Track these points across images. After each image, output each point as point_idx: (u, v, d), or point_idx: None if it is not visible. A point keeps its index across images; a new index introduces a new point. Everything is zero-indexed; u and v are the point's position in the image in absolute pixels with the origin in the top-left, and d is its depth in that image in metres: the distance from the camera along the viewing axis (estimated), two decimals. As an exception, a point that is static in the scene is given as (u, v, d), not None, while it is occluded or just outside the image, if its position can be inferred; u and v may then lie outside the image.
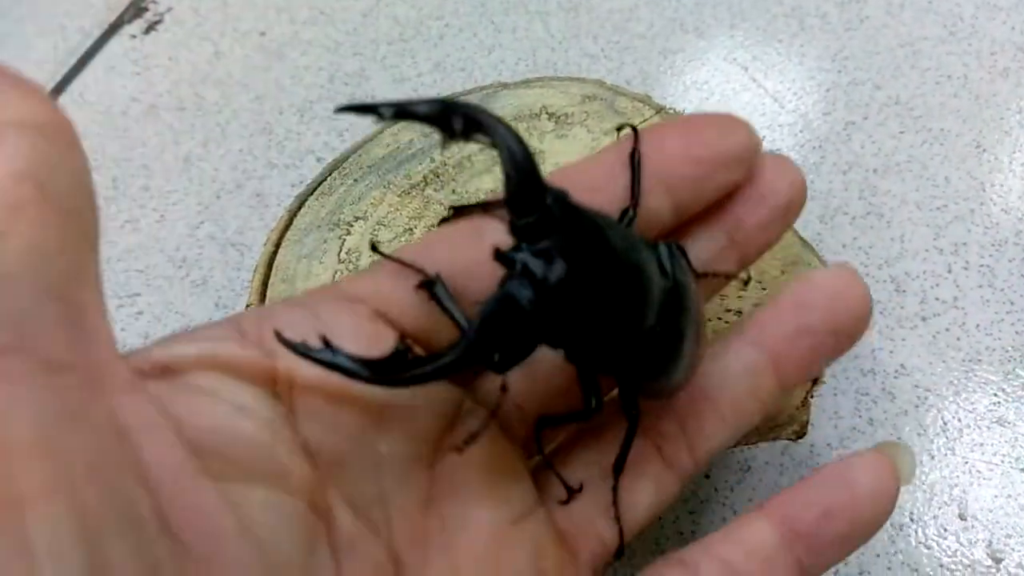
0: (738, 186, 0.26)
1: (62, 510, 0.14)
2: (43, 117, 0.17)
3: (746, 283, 0.29)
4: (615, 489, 0.25)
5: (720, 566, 0.24)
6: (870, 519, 0.24)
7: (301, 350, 0.19)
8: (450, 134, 0.19)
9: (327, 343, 0.19)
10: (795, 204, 0.27)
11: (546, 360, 0.24)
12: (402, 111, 0.19)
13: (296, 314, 0.21)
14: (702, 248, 0.27)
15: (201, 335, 0.20)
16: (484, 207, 0.24)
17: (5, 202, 0.15)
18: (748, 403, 0.26)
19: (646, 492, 0.26)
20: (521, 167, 0.19)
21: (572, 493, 0.25)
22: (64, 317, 0.16)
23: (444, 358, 0.19)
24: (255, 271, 0.36)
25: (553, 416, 0.24)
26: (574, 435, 0.27)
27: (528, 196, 0.19)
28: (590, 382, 0.24)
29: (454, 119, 0.19)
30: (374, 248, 0.24)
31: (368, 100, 0.46)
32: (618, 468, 0.25)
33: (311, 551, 0.20)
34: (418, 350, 0.22)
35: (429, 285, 0.22)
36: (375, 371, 0.19)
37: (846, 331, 0.26)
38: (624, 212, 0.24)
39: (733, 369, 0.26)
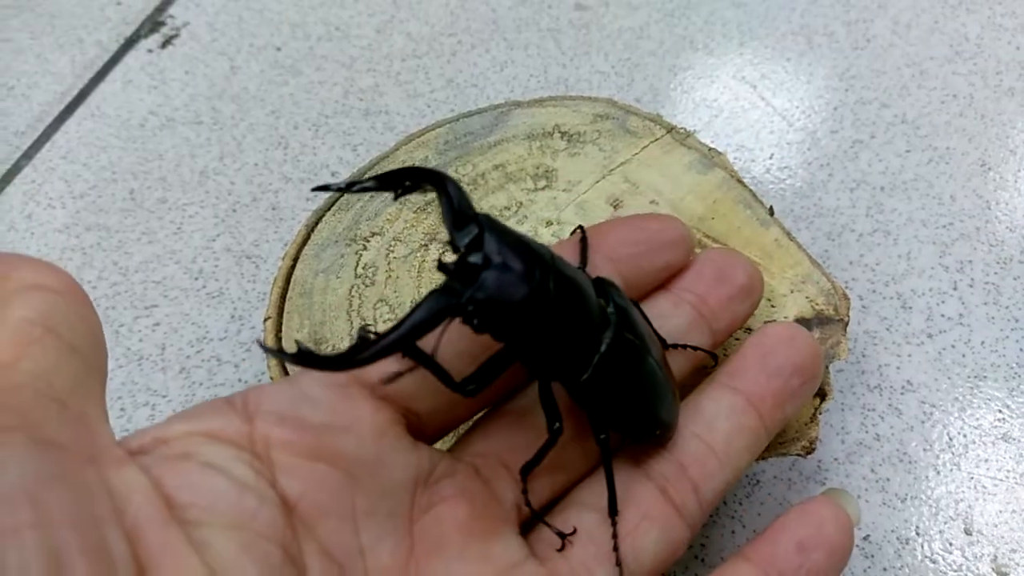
0: (679, 267, 0.31)
1: (33, 543, 0.17)
2: (58, 282, 0.22)
3: (715, 365, 0.31)
4: (614, 531, 0.26)
5: None
6: (840, 548, 0.26)
7: (276, 353, 0.21)
8: (398, 191, 0.24)
9: (299, 345, 0.21)
10: (755, 288, 0.31)
11: (525, 415, 0.27)
12: (361, 187, 0.23)
13: (281, 387, 0.25)
14: (675, 320, 0.30)
15: (196, 411, 0.24)
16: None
17: (18, 339, 0.20)
18: (737, 440, 0.28)
19: (651, 536, 0.27)
20: (455, 193, 0.23)
21: (564, 537, 0.26)
22: (62, 415, 0.20)
23: (384, 338, 0.21)
24: (273, 285, 0.36)
25: (532, 459, 0.26)
26: (570, 485, 0.28)
27: (461, 215, 0.22)
28: (549, 406, 0.25)
29: (401, 180, 0.23)
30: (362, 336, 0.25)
31: (380, 117, 0.47)
32: (612, 507, 0.26)
33: None
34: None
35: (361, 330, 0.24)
36: (336, 360, 0.21)
37: (807, 371, 0.29)
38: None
39: (716, 410, 0.28)
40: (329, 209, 0.38)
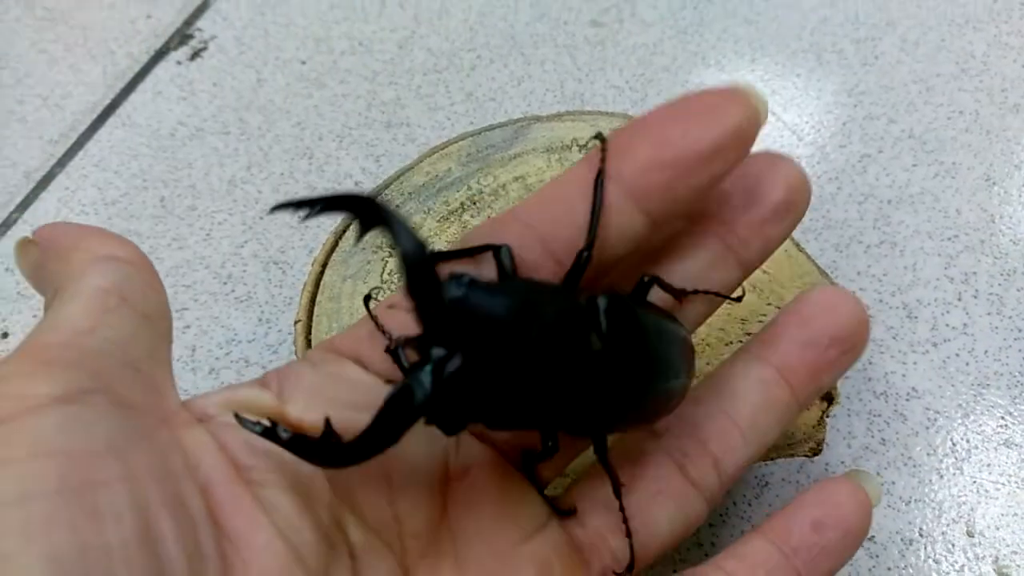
0: (724, 179, 0.25)
1: (123, 494, 0.19)
2: (129, 254, 0.24)
3: (739, 299, 0.28)
4: (622, 510, 0.26)
5: None
6: (856, 529, 0.26)
7: (251, 429, 0.22)
8: (365, 227, 0.20)
9: (273, 423, 0.22)
10: (794, 203, 0.26)
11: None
12: (328, 204, 0.21)
13: (305, 367, 0.25)
14: (696, 257, 0.26)
15: (232, 388, 0.25)
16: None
17: (98, 307, 0.22)
18: (765, 415, 0.27)
19: (666, 511, 0.27)
20: (412, 265, 0.19)
21: (564, 515, 0.27)
22: (136, 379, 0.22)
23: (349, 447, 0.21)
24: (303, 289, 0.38)
25: (530, 452, 0.25)
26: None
27: (423, 292, 0.19)
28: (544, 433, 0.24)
29: (367, 214, 0.20)
30: (365, 301, 0.26)
31: (402, 129, 0.48)
32: (616, 491, 0.26)
33: (333, 557, 0.23)
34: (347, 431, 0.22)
35: (392, 352, 0.24)
36: (304, 451, 0.21)
37: (847, 340, 0.27)
38: (579, 255, 0.24)
39: (745, 383, 0.28)
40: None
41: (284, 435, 0.21)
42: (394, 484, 0.25)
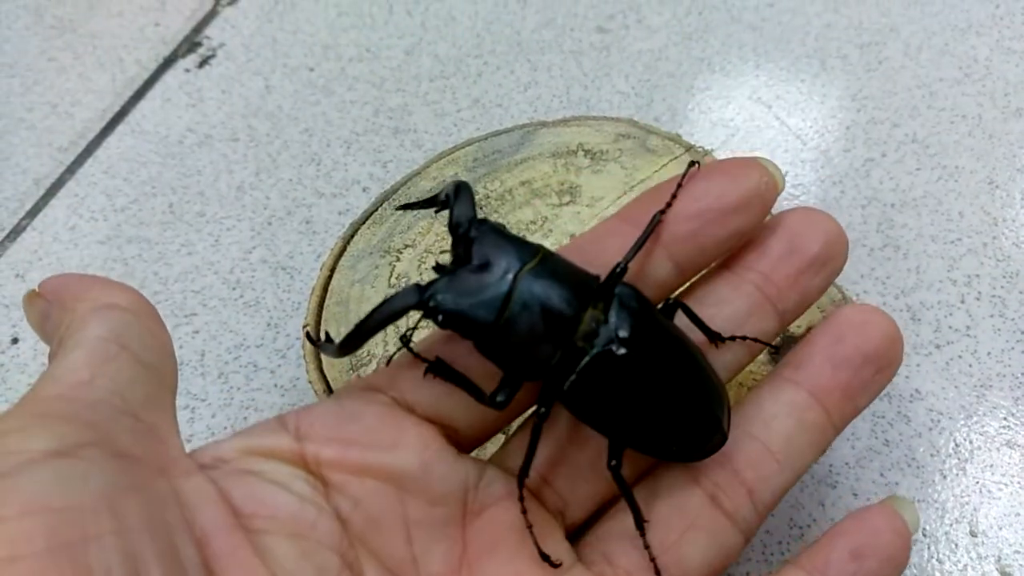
0: (751, 230, 0.27)
1: (114, 549, 0.19)
2: (129, 301, 0.24)
3: (776, 351, 0.29)
4: (646, 547, 0.26)
5: None
6: (896, 557, 0.26)
7: (313, 341, 0.26)
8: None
9: (328, 336, 0.25)
10: (832, 256, 0.27)
11: (557, 427, 0.27)
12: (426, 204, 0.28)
13: (327, 407, 0.26)
14: (734, 305, 0.27)
15: (249, 430, 0.26)
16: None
17: (97, 356, 0.22)
18: (799, 440, 0.27)
19: (698, 545, 0.26)
20: (458, 193, 0.25)
21: (553, 566, 0.26)
22: (136, 428, 0.22)
23: (360, 325, 0.25)
24: (312, 294, 0.38)
25: (525, 457, 0.26)
26: (609, 503, 0.28)
27: (453, 214, 0.25)
28: (509, 380, 0.26)
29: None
30: (403, 341, 0.27)
31: (409, 135, 0.49)
32: (639, 524, 0.26)
33: None
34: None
35: (433, 368, 0.26)
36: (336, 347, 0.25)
37: (882, 358, 0.27)
38: (616, 266, 0.26)
39: (776, 408, 0.27)
40: (364, 222, 0.40)
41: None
42: (411, 523, 0.25)
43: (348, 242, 0.40)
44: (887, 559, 0.26)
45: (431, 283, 0.24)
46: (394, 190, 0.41)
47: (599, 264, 0.26)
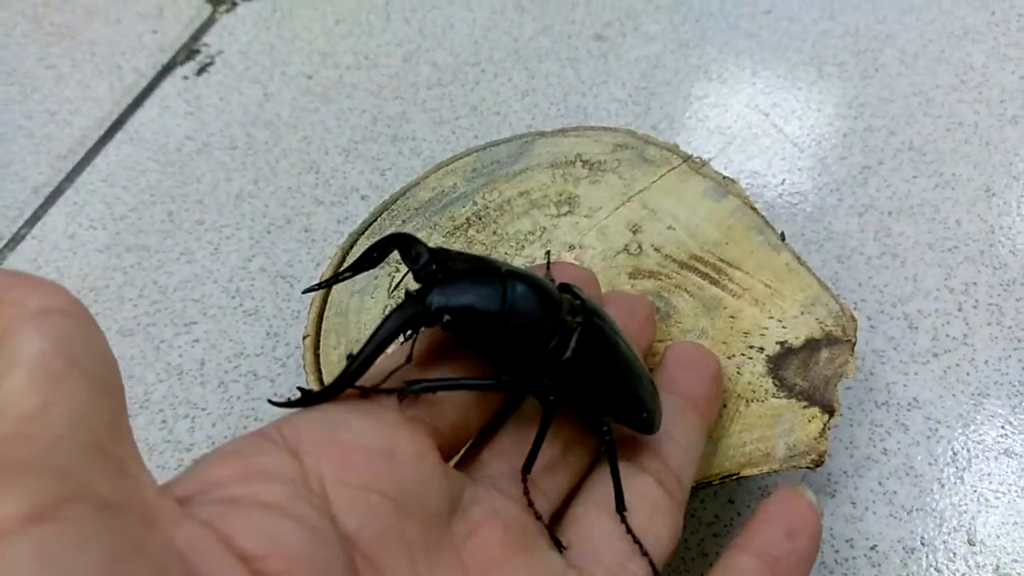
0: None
1: None
2: (66, 304, 0.19)
3: None
4: (627, 526, 0.27)
5: None
6: (817, 535, 0.28)
7: (277, 403, 0.25)
8: (373, 263, 0.28)
9: (302, 391, 0.24)
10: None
11: (529, 425, 0.28)
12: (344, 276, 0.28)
13: (310, 416, 0.24)
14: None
15: (235, 448, 0.23)
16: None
17: (46, 376, 0.18)
18: (693, 437, 0.31)
19: (665, 525, 0.28)
20: (414, 246, 0.26)
21: (562, 549, 0.27)
22: (109, 467, 0.18)
23: (358, 356, 0.24)
24: (311, 304, 0.39)
25: (528, 455, 0.27)
26: (575, 484, 0.29)
27: (419, 256, 0.25)
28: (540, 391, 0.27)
29: (370, 257, 0.27)
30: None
31: (407, 142, 0.49)
32: (619, 506, 0.27)
33: None
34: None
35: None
36: (328, 390, 0.24)
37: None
38: None
39: (671, 419, 0.30)
40: (363, 233, 0.41)
41: (294, 397, 0.24)
42: (411, 546, 0.24)
43: (347, 253, 0.40)
44: (812, 537, 0.28)
45: (423, 292, 0.25)
46: (393, 200, 0.42)
47: None
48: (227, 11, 0.65)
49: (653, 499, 0.28)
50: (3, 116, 0.61)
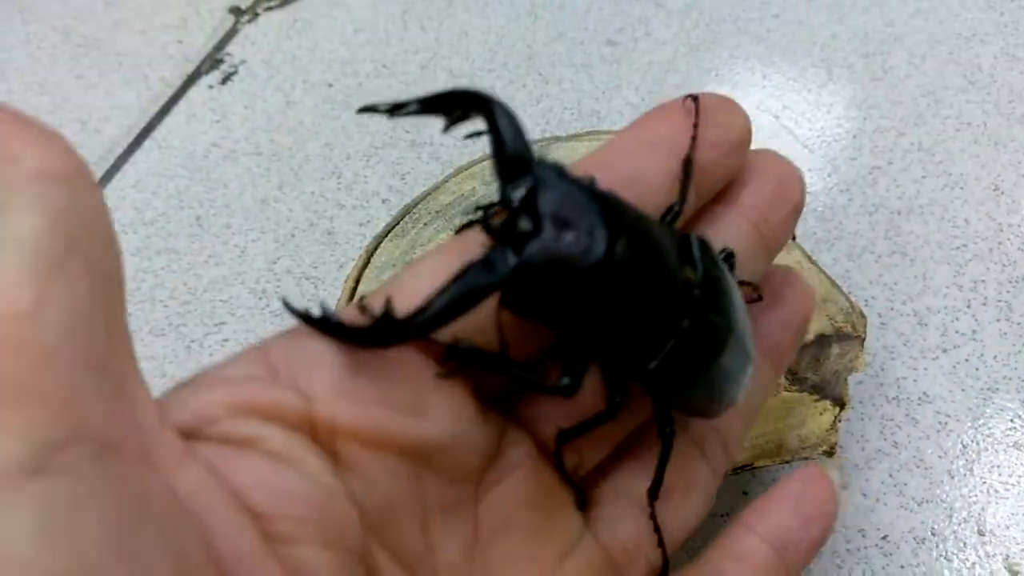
0: (735, 173, 0.27)
1: None
2: (67, 166, 0.16)
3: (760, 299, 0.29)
4: (653, 516, 0.25)
5: None
6: (831, 525, 0.27)
7: (306, 317, 0.19)
8: (451, 118, 0.21)
9: (326, 312, 0.19)
10: (803, 201, 0.28)
11: (588, 394, 0.23)
12: (419, 106, 0.21)
13: (325, 350, 0.20)
14: (737, 245, 0.26)
15: (230, 374, 0.20)
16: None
17: (41, 264, 0.15)
18: (755, 396, 0.28)
19: (696, 503, 0.27)
20: (508, 130, 0.20)
21: (585, 507, 0.25)
22: (107, 389, 0.16)
23: (412, 320, 0.19)
24: (337, 304, 0.40)
25: (576, 426, 0.23)
26: (617, 451, 0.27)
27: (513, 161, 0.20)
28: (614, 377, 0.22)
29: (453, 104, 0.21)
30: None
31: (425, 147, 0.50)
32: (653, 494, 0.25)
33: None
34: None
35: (481, 220, 0.21)
36: (369, 334, 0.19)
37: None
38: (669, 209, 0.24)
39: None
40: (387, 235, 0.42)
41: (333, 322, 0.19)
42: (427, 505, 0.21)
43: (371, 255, 0.41)
44: (827, 526, 0.26)
45: (504, 255, 0.19)
46: (415, 204, 0.43)
47: (625, 185, 0.23)
48: (249, 21, 0.67)
49: (692, 474, 0.27)
50: (34, 125, 0.62)
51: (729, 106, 0.26)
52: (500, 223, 0.19)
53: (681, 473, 0.26)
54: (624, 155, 0.25)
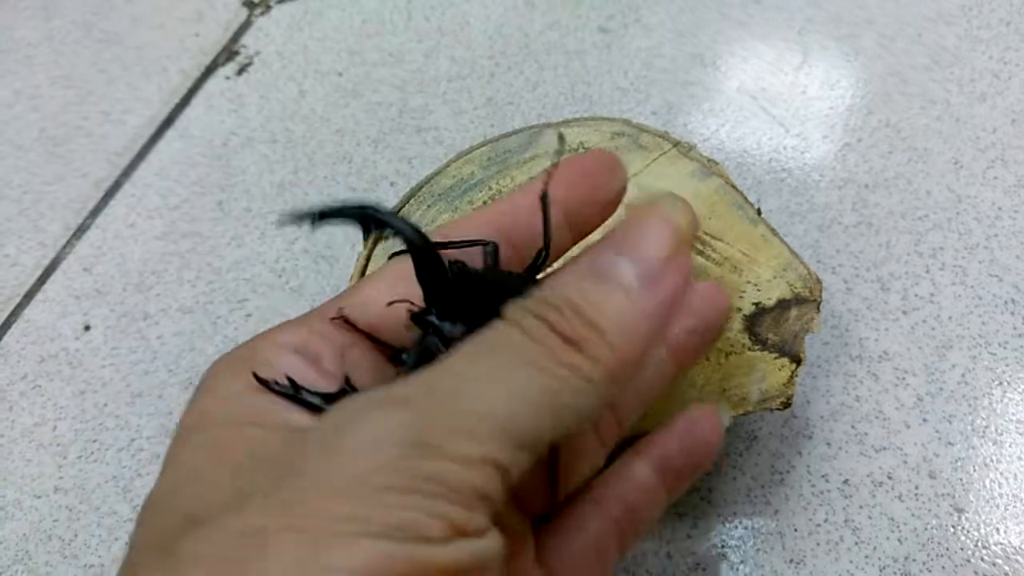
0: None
1: None
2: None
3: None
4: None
5: (617, 501, 0.31)
6: (710, 453, 0.32)
7: (273, 388, 0.24)
8: (367, 231, 0.24)
9: (292, 382, 0.23)
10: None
11: None
12: (329, 215, 0.24)
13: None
14: None
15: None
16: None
17: None
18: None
19: (583, 467, 0.31)
20: (421, 254, 0.24)
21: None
22: None
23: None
24: (351, 280, 0.44)
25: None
26: None
27: (431, 274, 0.24)
28: None
29: (370, 221, 0.24)
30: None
31: (430, 132, 0.53)
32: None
33: None
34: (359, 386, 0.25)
35: (417, 318, 0.25)
36: (323, 400, 0.24)
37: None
38: (539, 253, 0.29)
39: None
40: (394, 217, 0.46)
41: (286, 389, 0.24)
42: None
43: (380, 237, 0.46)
44: (706, 456, 0.32)
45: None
46: (419, 187, 0.47)
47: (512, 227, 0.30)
48: (262, 14, 0.70)
49: (581, 448, 0.31)
50: (63, 117, 0.67)
51: (608, 165, 0.31)
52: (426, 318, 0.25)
53: (576, 443, 0.31)
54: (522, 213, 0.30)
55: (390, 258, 0.30)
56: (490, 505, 0.20)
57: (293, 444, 0.21)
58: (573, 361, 0.22)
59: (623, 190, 0.31)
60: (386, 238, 0.25)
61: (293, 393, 0.24)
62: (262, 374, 0.24)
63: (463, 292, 0.24)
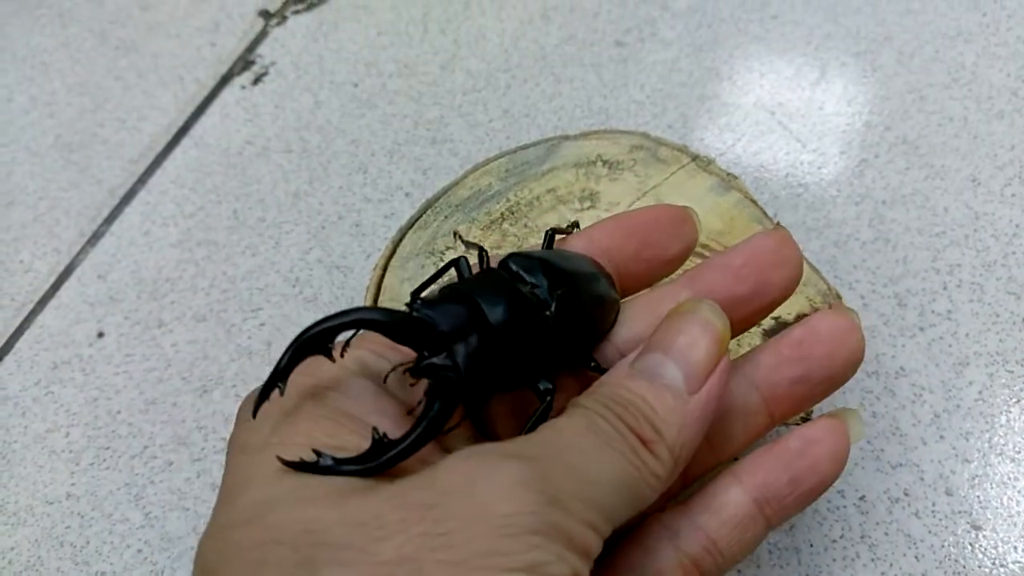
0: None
1: None
2: None
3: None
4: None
5: (700, 534, 0.28)
6: (828, 478, 0.29)
7: (300, 467, 0.23)
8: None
9: (318, 454, 0.23)
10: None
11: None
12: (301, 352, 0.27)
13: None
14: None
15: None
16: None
17: None
18: (739, 437, 0.31)
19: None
20: (381, 324, 0.25)
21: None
22: None
23: (413, 433, 0.24)
24: (367, 291, 0.44)
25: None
26: None
27: (403, 331, 0.25)
28: (533, 380, 0.28)
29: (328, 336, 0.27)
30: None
31: (446, 144, 0.53)
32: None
33: None
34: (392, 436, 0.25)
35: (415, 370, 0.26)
36: (363, 462, 0.23)
37: (839, 378, 0.30)
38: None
39: (729, 405, 0.30)
40: (411, 227, 0.46)
41: (327, 462, 0.23)
42: None
43: (397, 245, 0.46)
44: (822, 483, 0.29)
45: (443, 368, 0.25)
46: (436, 198, 0.47)
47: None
48: (278, 24, 0.71)
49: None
50: (79, 124, 0.67)
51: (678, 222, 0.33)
52: (422, 366, 0.25)
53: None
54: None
55: (412, 294, 0.30)
56: (589, 565, 0.22)
57: (416, 482, 0.22)
58: (646, 459, 0.24)
59: (687, 249, 0.32)
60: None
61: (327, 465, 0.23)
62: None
63: (433, 322, 0.25)
